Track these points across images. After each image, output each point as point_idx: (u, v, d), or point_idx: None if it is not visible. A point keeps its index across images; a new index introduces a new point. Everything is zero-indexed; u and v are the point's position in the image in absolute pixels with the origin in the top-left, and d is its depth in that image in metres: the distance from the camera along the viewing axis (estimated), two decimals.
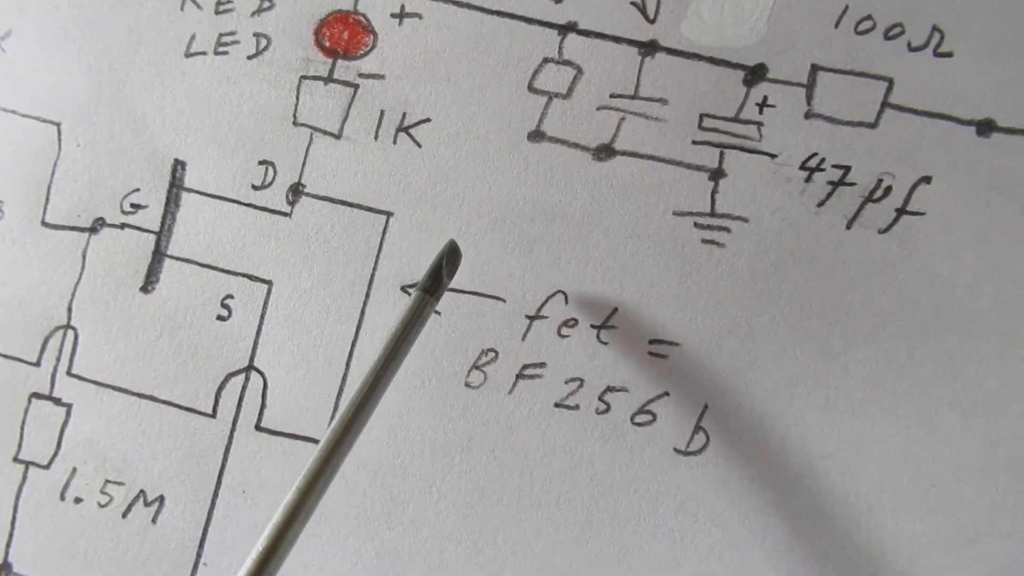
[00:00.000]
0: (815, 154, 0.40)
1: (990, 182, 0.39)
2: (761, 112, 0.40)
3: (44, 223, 0.45)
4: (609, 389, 0.41)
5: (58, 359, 0.45)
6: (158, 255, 0.45)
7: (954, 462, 0.38)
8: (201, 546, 0.43)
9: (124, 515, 0.44)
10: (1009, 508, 0.37)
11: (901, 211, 0.39)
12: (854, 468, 0.39)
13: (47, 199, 0.45)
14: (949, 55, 0.39)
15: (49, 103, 0.46)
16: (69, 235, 0.45)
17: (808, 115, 0.40)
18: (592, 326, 0.41)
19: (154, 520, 0.44)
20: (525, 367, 0.41)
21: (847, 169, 0.40)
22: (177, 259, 0.44)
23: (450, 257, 0.39)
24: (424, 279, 0.38)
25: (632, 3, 0.41)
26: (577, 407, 0.41)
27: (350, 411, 0.34)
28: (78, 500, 0.45)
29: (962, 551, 0.37)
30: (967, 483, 0.38)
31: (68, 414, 0.45)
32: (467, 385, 0.42)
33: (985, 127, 0.39)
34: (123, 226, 0.45)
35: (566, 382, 0.41)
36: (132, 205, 0.45)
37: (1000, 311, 0.38)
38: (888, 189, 0.39)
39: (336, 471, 0.34)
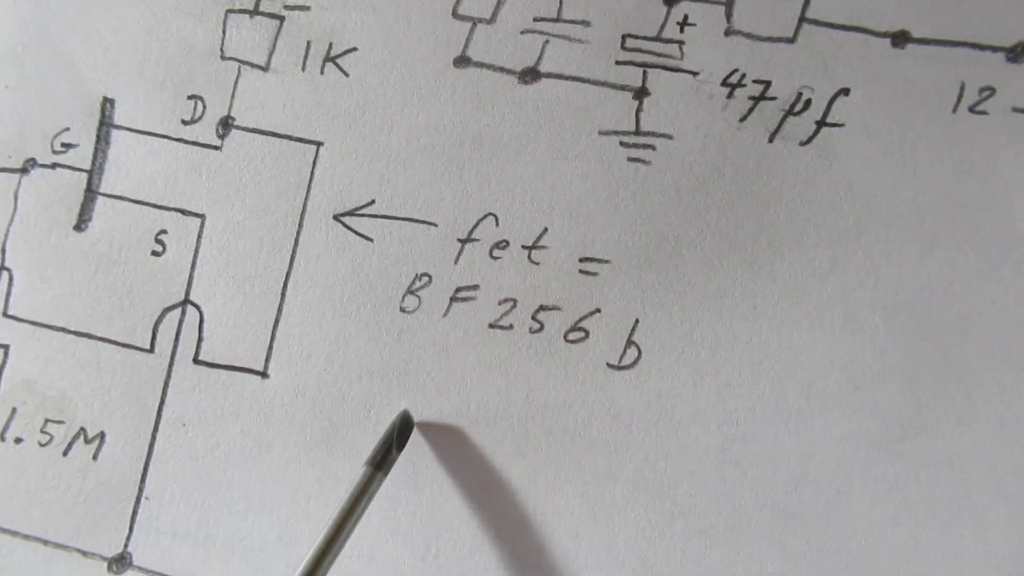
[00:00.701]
0: (736, 70, 0.37)
1: (905, 91, 0.36)
2: (682, 31, 0.37)
3: None
4: (542, 308, 0.38)
5: None
6: (90, 193, 0.41)
7: (878, 363, 0.35)
8: (143, 480, 0.40)
9: (65, 453, 0.40)
10: (932, 405, 0.35)
11: (821, 123, 0.36)
12: (782, 374, 0.36)
13: None
14: None
15: None
16: (0, 177, 0.41)
17: (728, 32, 0.37)
18: (523, 247, 0.38)
19: (95, 456, 0.40)
20: (459, 290, 0.38)
21: (767, 84, 0.37)
22: (109, 196, 0.41)
23: (402, 429, 0.36)
24: (373, 453, 0.36)
25: None
26: (511, 327, 0.38)
27: None
28: (18, 440, 0.41)
29: (888, 449, 0.35)
30: (891, 383, 0.35)
31: (5, 355, 0.41)
32: (402, 310, 0.39)
33: (900, 38, 0.36)
34: (54, 165, 0.41)
35: (499, 303, 0.38)
36: (63, 144, 0.41)
37: (919, 215, 0.35)
38: (808, 102, 0.37)
39: None
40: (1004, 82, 0.35)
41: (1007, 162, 0.35)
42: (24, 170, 0.41)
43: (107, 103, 0.41)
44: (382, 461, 0.36)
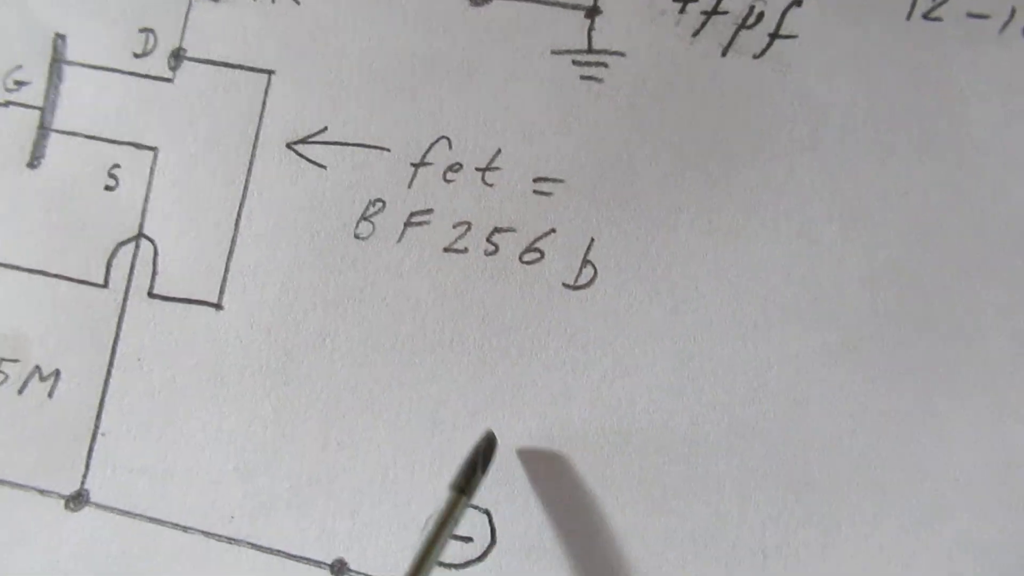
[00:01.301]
0: None
1: (858, 0, 0.34)
2: None
3: None
4: (496, 230, 0.36)
5: None
6: (43, 130, 0.39)
7: (835, 273, 0.33)
8: (99, 417, 0.38)
9: (20, 392, 0.38)
10: (890, 313, 0.33)
11: (774, 35, 0.35)
12: (739, 288, 0.34)
13: None
14: None
15: None
16: None
17: None
18: (477, 169, 0.36)
19: (50, 394, 0.38)
20: (413, 214, 0.36)
21: None
22: (63, 133, 0.39)
23: (486, 451, 0.33)
24: (457, 476, 0.33)
25: None
26: (466, 250, 0.36)
27: None
28: None
29: (846, 359, 0.33)
30: (849, 292, 0.33)
31: None
32: (356, 237, 0.37)
33: None
34: (7, 103, 0.39)
35: (454, 226, 0.36)
36: (15, 82, 0.39)
37: (875, 124, 0.34)
38: (760, 15, 0.35)
39: None
40: None
41: (962, 68, 0.33)
42: None
43: (59, 39, 0.39)
44: (467, 484, 0.33)
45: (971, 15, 0.33)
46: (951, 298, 0.32)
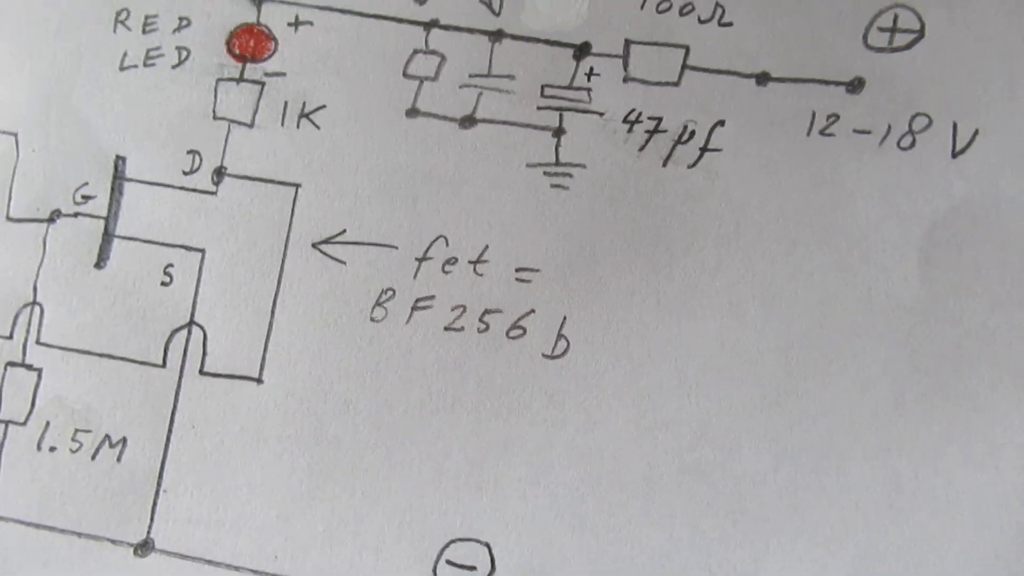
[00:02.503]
0: (634, 109, 0.43)
1: (769, 120, 0.42)
2: (589, 80, 0.43)
3: (9, 218, 0.46)
4: (487, 312, 0.43)
5: (27, 331, 0.45)
6: (107, 236, 0.46)
7: (757, 341, 0.41)
8: (160, 476, 0.44)
9: (93, 457, 0.45)
10: (800, 372, 0.40)
11: (704, 149, 0.42)
12: (682, 355, 0.41)
13: (10, 197, 0.46)
14: (730, 24, 0.42)
15: (6, 116, 0.46)
16: (31, 226, 0.46)
17: (626, 79, 0.43)
18: (469, 262, 0.43)
19: (119, 459, 0.45)
20: (418, 300, 0.44)
21: (660, 120, 0.43)
22: (124, 238, 0.46)
23: None
24: None
25: (481, 1, 0.44)
26: (462, 329, 0.43)
27: None
28: (52, 449, 0.45)
29: (768, 410, 0.40)
30: (768, 356, 0.41)
31: (39, 377, 0.45)
32: (372, 319, 0.44)
33: (763, 78, 0.42)
34: (76, 215, 0.46)
35: (452, 309, 0.43)
36: (83, 196, 0.46)
37: (784, 220, 0.41)
38: (692, 133, 0.42)
39: None
40: (846, 109, 0.41)
41: (851, 173, 0.41)
42: (51, 219, 0.46)
43: (119, 160, 0.46)
44: None
45: (856, 131, 0.41)
46: (847, 358, 0.40)
